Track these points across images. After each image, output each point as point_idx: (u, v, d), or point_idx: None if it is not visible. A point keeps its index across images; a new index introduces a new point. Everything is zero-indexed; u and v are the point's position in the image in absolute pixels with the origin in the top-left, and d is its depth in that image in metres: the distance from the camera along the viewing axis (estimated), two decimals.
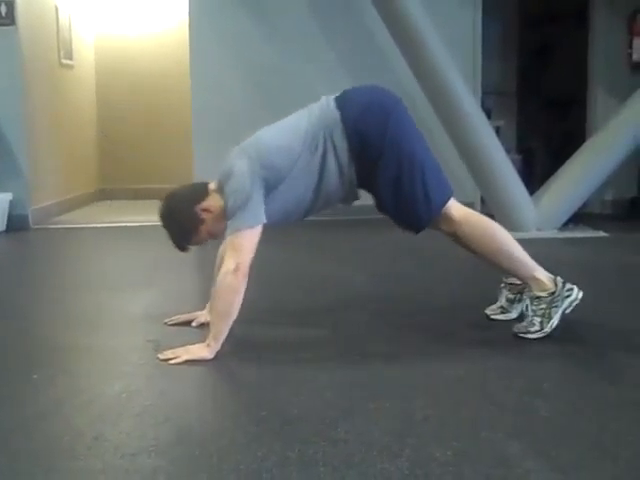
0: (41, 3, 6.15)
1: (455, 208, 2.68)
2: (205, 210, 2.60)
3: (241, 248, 2.46)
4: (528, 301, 2.70)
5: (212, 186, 2.65)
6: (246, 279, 2.47)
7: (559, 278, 2.68)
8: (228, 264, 2.46)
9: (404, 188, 2.60)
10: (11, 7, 5.50)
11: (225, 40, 5.98)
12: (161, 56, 7.52)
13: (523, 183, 5.12)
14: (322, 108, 2.64)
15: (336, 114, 2.58)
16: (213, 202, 2.60)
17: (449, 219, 2.67)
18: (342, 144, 2.57)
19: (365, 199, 2.76)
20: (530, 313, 2.67)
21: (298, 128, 2.61)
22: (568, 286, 2.66)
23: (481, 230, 2.71)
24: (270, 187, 2.54)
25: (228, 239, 2.50)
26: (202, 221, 2.60)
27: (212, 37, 5.96)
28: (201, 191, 2.65)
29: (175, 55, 7.21)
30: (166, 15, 7.52)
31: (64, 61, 6.62)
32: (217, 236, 2.66)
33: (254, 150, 2.58)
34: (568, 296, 2.65)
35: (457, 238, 2.71)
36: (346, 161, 2.59)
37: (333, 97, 2.67)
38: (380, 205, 2.69)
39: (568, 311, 2.65)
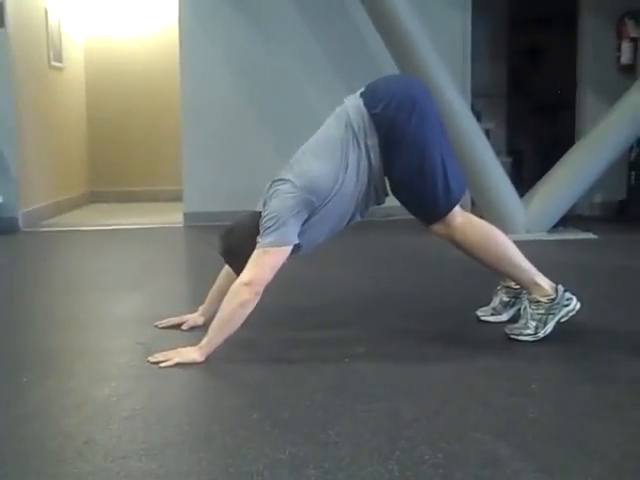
0: (31, 5, 6.14)
1: (456, 213, 2.67)
2: None
3: (263, 265, 2.45)
4: (527, 303, 2.70)
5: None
6: (258, 297, 2.45)
7: (560, 286, 2.69)
8: (244, 276, 2.45)
9: (426, 174, 2.57)
10: (1, 9, 5.49)
11: (215, 41, 5.98)
12: (151, 58, 7.52)
13: (513, 185, 5.14)
14: (348, 111, 2.60)
15: (363, 111, 2.56)
16: None
17: (449, 224, 2.66)
18: (373, 141, 2.55)
19: None
20: (527, 316, 2.68)
21: (335, 145, 2.56)
22: (568, 295, 2.68)
23: (481, 236, 2.70)
24: (316, 209, 2.52)
25: (254, 253, 2.47)
26: None
27: (202, 38, 5.96)
28: (258, 221, 2.56)
29: (165, 57, 7.21)
30: (156, 17, 7.52)
31: (54, 63, 6.61)
32: None
33: (300, 176, 2.52)
34: (567, 305, 2.66)
35: (457, 243, 2.71)
36: (378, 161, 2.57)
37: (358, 93, 2.64)
38: (397, 190, 2.67)
39: (564, 320, 2.66)
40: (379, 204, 2.72)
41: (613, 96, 5.39)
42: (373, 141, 2.55)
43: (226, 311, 2.48)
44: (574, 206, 5.47)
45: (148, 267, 4.32)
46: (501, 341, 2.66)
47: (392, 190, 2.68)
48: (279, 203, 2.48)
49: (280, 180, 2.55)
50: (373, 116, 2.55)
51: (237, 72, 6.04)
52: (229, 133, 6.00)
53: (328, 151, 2.57)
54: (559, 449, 1.78)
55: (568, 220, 5.32)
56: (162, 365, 2.42)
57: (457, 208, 2.68)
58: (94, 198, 7.66)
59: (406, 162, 2.57)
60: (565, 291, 2.69)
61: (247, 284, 2.44)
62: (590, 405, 2.08)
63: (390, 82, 2.76)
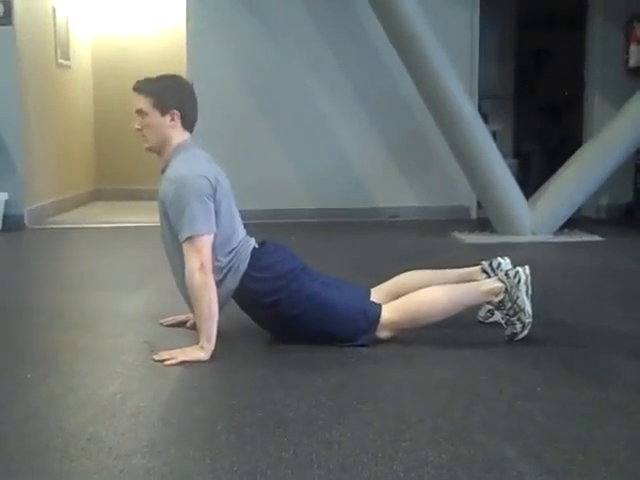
0: (38, 3, 6.14)
1: (383, 314, 2.63)
2: (175, 119, 2.66)
3: (202, 250, 2.51)
4: (496, 312, 2.72)
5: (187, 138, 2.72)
6: (212, 275, 2.51)
7: (500, 273, 2.69)
8: (192, 263, 2.50)
9: (332, 322, 2.61)
10: (8, 7, 5.49)
11: (222, 41, 5.98)
12: (158, 57, 7.50)
13: (519, 187, 5.13)
14: (246, 244, 2.69)
15: (246, 259, 2.63)
16: (181, 130, 2.69)
17: (385, 325, 2.63)
18: (236, 276, 2.62)
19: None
20: (505, 320, 2.67)
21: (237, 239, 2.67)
22: (511, 273, 2.66)
23: (415, 310, 2.67)
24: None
25: (187, 243, 2.51)
26: (169, 113, 2.66)
27: (209, 38, 5.96)
28: (191, 121, 2.76)
29: (172, 56, 7.20)
30: (163, 16, 7.52)
31: (61, 61, 6.61)
32: (147, 137, 2.70)
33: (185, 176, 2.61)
34: (519, 281, 2.64)
35: (406, 330, 2.67)
36: (246, 283, 2.62)
37: (255, 245, 2.71)
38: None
39: (530, 292, 2.64)
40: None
41: (621, 98, 5.38)
42: (236, 277, 2.63)
43: (200, 304, 2.51)
44: (580, 208, 5.46)
45: (153, 265, 4.30)
46: (504, 343, 2.66)
47: None
48: (182, 195, 2.53)
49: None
50: (246, 271, 2.63)
51: (244, 72, 6.04)
52: (234, 132, 5.99)
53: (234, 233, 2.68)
54: (564, 452, 1.78)
55: (574, 222, 5.31)
56: (167, 363, 2.42)
57: (382, 311, 2.64)
58: (100, 196, 7.66)
59: (310, 324, 2.62)
60: (505, 272, 2.67)
61: (199, 269, 2.49)
62: (594, 408, 2.07)
63: (273, 252, 2.75)
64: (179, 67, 6.49)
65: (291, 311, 2.60)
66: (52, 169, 6.39)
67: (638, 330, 2.86)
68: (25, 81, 5.75)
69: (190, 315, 2.91)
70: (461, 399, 2.14)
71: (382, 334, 2.64)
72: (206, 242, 2.52)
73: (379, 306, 2.65)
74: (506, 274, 2.67)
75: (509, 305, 2.64)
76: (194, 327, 2.82)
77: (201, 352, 2.46)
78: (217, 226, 2.57)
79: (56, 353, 2.64)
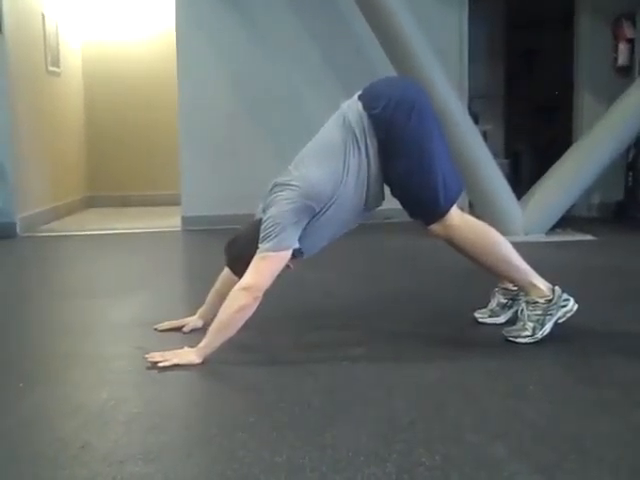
0: (28, 11, 6.14)
1: (454, 212, 2.67)
2: None
3: (262, 270, 2.47)
4: (524, 305, 2.70)
5: None
6: (257, 301, 2.46)
7: (557, 287, 2.70)
8: (244, 281, 2.47)
9: (424, 173, 2.58)
10: None
11: (212, 47, 5.99)
12: (148, 63, 7.52)
13: (510, 187, 5.14)
14: (348, 115, 2.60)
15: (363, 114, 2.57)
16: None
17: (448, 224, 2.65)
18: (373, 144, 2.56)
19: None
20: (525, 318, 2.68)
21: (335, 149, 2.57)
22: (565, 296, 2.68)
23: (478, 236, 2.71)
24: (317, 214, 2.53)
25: (254, 258, 2.48)
26: None
27: (199, 44, 5.97)
28: (260, 229, 2.57)
29: (162, 62, 7.21)
30: (153, 22, 7.53)
31: (51, 68, 6.61)
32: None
33: (300, 181, 2.52)
34: (564, 306, 2.67)
35: (454, 243, 2.71)
36: (376, 164, 2.58)
37: (356, 96, 2.65)
38: (396, 189, 2.67)
39: (561, 321, 2.67)
40: (376, 207, 2.72)
41: (610, 97, 5.41)
42: (373, 144, 2.56)
43: (225, 315, 2.48)
44: (572, 207, 5.48)
45: (146, 271, 4.31)
46: (498, 343, 2.66)
47: (391, 190, 2.69)
48: (278, 209, 2.49)
49: (279, 185, 2.55)
50: (372, 117, 2.55)
51: (234, 77, 6.04)
52: (226, 137, 6.00)
53: (328, 156, 2.57)
54: (556, 450, 1.78)
55: (566, 222, 5.32)
56: (160, 365, 2.42)
57: (455, 209, 2.68)
58: (92, 203, 7.66)
59: (405, 161, 2.58)
60: (562, 292, 2.69)
61: (246, 289, 2.45)
62: (587, 406, 2.08)
63: (388, 83, 2.78)
64: (169, 73, 6.50)
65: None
66: (43, 176, 6.38)
67: (630, 329, 2.87)
68: (15, 88, 5.74)
69: (185, 320, 2.91)
70: (453, 399, 2.15)
71: (437, 227, 2.65)
72: (271, 262, 2.47)
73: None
74: (561, 293, 2.68)
75: (539, 312, 2.65)
76: (190, 332, 2.82)
77: (194, 355, 2.45)
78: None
79: (49, 361, 2.63)
